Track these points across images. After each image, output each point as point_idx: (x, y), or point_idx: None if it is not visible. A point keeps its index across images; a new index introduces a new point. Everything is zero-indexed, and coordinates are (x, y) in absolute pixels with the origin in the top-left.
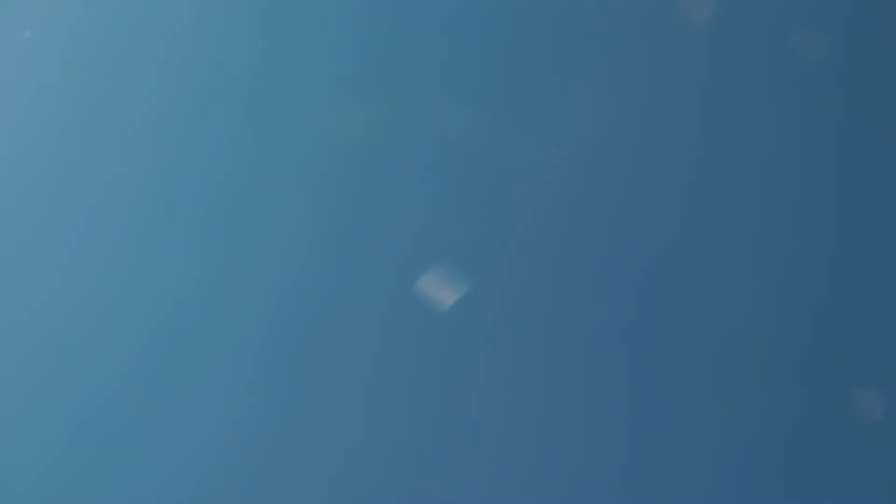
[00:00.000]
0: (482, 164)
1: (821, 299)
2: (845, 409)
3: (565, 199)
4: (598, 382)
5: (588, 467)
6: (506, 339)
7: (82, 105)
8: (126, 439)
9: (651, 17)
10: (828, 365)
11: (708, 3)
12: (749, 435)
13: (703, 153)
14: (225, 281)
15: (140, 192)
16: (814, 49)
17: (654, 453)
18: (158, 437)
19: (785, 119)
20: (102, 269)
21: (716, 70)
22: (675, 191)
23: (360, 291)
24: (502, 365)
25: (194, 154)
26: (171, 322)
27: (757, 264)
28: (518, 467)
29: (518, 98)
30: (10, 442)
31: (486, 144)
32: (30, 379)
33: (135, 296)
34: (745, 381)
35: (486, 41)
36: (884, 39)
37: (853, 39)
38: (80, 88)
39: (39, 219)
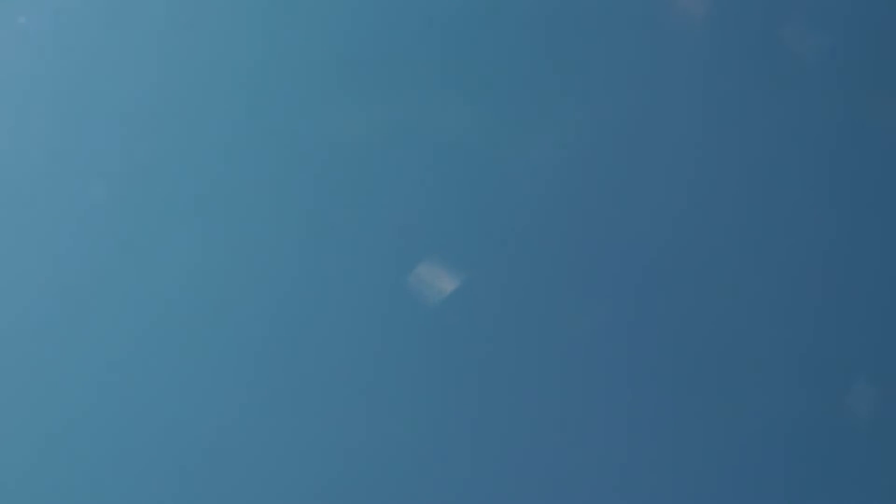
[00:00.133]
0: (482, 164)
1: (820, 298)
2: (843, 408)
3: (565, 199)
4: (596, 381)
5: (587, 466)
6: (506, 339)
7: (77, 94)
8: (123, 437)
9: (651, 17)
10: (826, 364)
11: (707, 3)
12: (747, 434)
13: (703, 153)
14: (224, 280)
15: (138, 189)
16: (813, 48)
17: (652, 452)
18: (154, 435)
19: (785, 119)
20: (97, 265)
21: (715, 70)
22: (675, 190)
23: (360, 291)
24: (502, 365)
25: (194, 153)
26: (166, 318)
27: (756, 264)
28: (516, 466)
29: (518, 98)
30: (11, 442)
31: (486, 144)
32: (28, 377)
33: (130, 292)
34: (743, 380)
35: (486, 41)
36: (884, 39)
37: (853, 39)
38: (74, 76)
39: (35, 210)
